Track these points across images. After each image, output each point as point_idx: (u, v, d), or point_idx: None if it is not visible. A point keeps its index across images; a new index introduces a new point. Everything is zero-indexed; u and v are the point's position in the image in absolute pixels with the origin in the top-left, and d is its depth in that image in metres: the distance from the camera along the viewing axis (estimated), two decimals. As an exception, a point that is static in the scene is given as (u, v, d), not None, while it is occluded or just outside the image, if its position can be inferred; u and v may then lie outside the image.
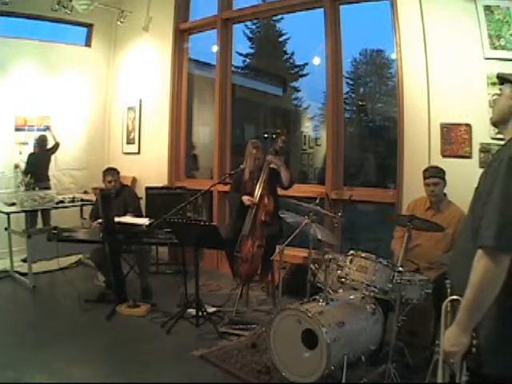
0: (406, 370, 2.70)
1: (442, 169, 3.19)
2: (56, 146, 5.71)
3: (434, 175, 3.16)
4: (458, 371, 1.36)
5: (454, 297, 1.41)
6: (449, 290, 1.46)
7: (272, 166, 3.93)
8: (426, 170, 3.24)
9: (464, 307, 1.33)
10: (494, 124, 1.60)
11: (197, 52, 6.13)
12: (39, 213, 5.14)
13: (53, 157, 5.75)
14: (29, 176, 5.26)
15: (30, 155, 5.55)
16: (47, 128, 5.75)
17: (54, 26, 5.83)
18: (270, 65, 10.42)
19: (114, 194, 4.36)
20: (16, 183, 5.39)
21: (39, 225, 5.21)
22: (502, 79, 1.59)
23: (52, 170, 5.81)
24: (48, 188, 5.33)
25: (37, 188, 5.17)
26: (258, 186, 3.92)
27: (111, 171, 4.46)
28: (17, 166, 5.51)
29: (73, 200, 5.08)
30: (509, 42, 3.41)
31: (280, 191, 4.07)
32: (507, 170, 1.33)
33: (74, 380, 2.71)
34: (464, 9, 3.55)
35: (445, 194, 3.20)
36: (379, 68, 10.12)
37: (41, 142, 5.62)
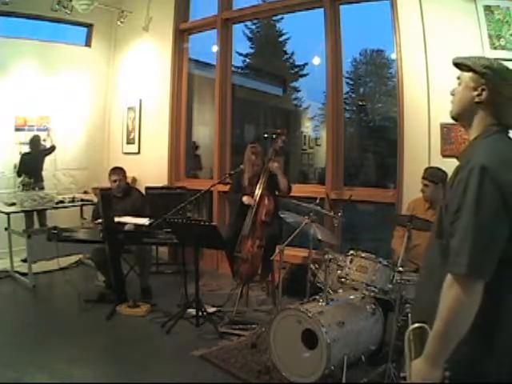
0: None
1: (437, 173, 3.14)
2: (52, 148, 5.67)
3: (425, 177, 3.15)
4: None
5: (417, 325, 1.23)
6: (409, 316, 1.30)
7: (271, 171, 3.92)
8: (425, 170, 3.24)
9: (434, 339, 1.16)
10: (454, 118, 1.36)
11: (197, 52, 6.14)
12: (35, 213, 5.10)
13: (53, 157, 5.73)
14: (25, 176, 5.23)
15: (24, 155, 5.46)
16: (47, 129, 5.73)
17: (54, 25, 5.82)
18: (269, 65, 10.43)
19: (121, 194, 4.32)
20: (16, 183, 5.38)
21: (35, 225, 5.19)
22: (460, 65, 1.33)
23: (52, 170, 5.81)
24: (42, 188, 5.30)
25: (37, 188, 5.17)
26: (257, 186, 3.93)
27: (116, 170, 4.38)
28: (16, 166, 5.50)
29: (73, 200, 5.07)
30: (509, 41, 3.41)
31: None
32: (479, 184, 1.13)
33: (74, 380, 2.71)
34: (464, 9, 3.55)
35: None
36: (379, 68, 10.14)
37: (34, 142, 5.53)
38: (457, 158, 1.34)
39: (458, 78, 1.35)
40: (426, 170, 3.24)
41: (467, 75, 1.30)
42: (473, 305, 1.12)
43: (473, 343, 1.17)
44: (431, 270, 1.32)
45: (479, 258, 1.12)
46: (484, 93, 1.26)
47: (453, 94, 1.36)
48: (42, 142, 5.67)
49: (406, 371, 1.25)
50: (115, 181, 4.33)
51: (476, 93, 1.28)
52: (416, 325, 1.23)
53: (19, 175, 5.33)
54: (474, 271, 1.11)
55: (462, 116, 1.34)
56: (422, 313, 1.28)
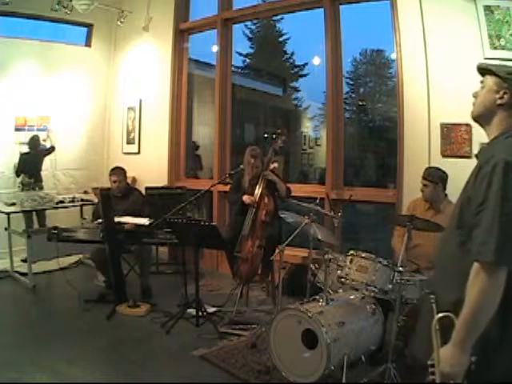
0: (405, 370, 2.70)
1: (436, 173, 3.16)
2: (51, 149, 5.65)
3: (425, 177, 3.16)
4: None
5: (442, 314, 1.30)
6: (434, 306, 1.34)
7: (269, 178, 3.92)
8: (424, 170, 3.24)
9: (462, 325, 1.24)
10: (475, 119, 1.48)
11: (197, 52, 6.15)
12: (34, 213, 5.10)
13: (53, 157, 5.73)
14: (25, 176, 5.22)
15: (23, 155, 5.42)
16: (46, 129, 5.73)
17: (54, 26, 5.82)
18: (269, 65, 10.43)
19: (121, 195, 4.32)
20: (16, 183, 5.38)
21: (35, 225, 5.19)
22: (484, 70, 1.46)
23: (52, 170, 5.81)
24: (41, 188, 5.28)
25: (37, 188, 5.17)
26: (257, 186, 3.93)
27: (116, 171, 4.38)
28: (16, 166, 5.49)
29: (73, 200, 5.07)
30: (509, 41, 3.41)
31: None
32: (504, 177, 1.23)
33: (74, 380, 2.71)
34: (464, 9, 3.55)
35: (446, 195, 3.20)
36: (379, 68, 10.14)
37: (34, 142, 5.50)
38: (476, 156, 1.48)
39: (482, 81, 1.47)
40: (426, 170, 3.25)
41: (490, 79, 1.42)
42: (498, 291, 1.21)
43: (498, 329, 1.25)
44: (449, 261, 1.39)
45: (504, 247, 1.20)
46: (506, 96, 1.38)
47: (475, 97, 1.48)
48: (42, 142, 5.66)
49: (433, 359, 1.30)
50: (115, 181, 4.33)
51: (498, 96, 1.39)
52: (441, 314, 1.30)
53: (18, 175, 5.32)
54: (500, 259, 1.20)
55: (483, 117, 1.44)
56: (444, 302, 1.34)
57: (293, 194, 4.06)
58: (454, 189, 3.20)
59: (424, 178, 3.16)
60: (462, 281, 1.27)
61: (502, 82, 1.39)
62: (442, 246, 1.50)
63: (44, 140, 5.69)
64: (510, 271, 1.22)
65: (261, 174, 3.95)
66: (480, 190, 1.27)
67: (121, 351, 3.12)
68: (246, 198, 3.94)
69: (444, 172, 3.20)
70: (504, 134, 1.37)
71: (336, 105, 4.48)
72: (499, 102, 1.38)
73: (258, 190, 3.90)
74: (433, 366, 1.30)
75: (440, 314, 1.30)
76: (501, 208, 1.22)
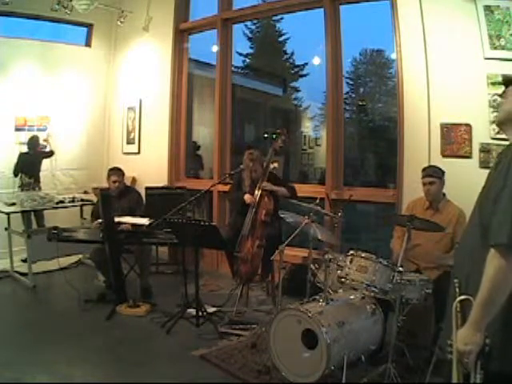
0: (405, 370, 2.70)
1: (440, 169, 3.19)
2: (51, 153, 5.64)
3: (430, 174, 3.16)
4: (473, 370, 1.35)
5: (464, 297, 1.40)
6: (457, 290, 1.45)
7: (267, 189, 3.91)
8: (424, 169, 3.25)
9: (478, 306, 1.32)
10: (499, 125, 1.62)
11: (197, 52, 6.14)
12: (32, 213, 5.10)
13: (53, 157, 5.73)
14: (25, 176, 5.22)
15: (21, 155, 5.40)
16: (46, 129, 5.71)
17: (54, 26, 5.82)
18: (269, 65, 10.43)
19: (117, 194, 4.34)
20: (16, 183, 5.38)
21: (33, 226, 5.19)
22: (508, 82, 1.58)
23: (52, 170, 5.81)
24: (38, 189, 5.27)
25: (36, 188, 5.16)
26: (257, 186, 3.93)
27: (116, 171, 4.39)
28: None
29: (73, 200, 5.07)
30: (509, 41, 3.41)
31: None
32: None
33: (74, 380, 2.71)
34: (464, 9, 3.55)
35: (444, 194, 3.20)
36: (379, 68, 10.13)
37: (33, 142, 5.48)
38: (497, 157, 1.55)
39: (504, 92, 1.59)
40: (427, 168, 3.25)
41: None
42: None
43: (506, 317, 1.32)
44: (471, 251, 1.46)
45: None
46: None
47: (499, 106, 1.63)
48: (42, 142, 5.65)
49: (452, 339, 1.40)
50: (115, 181, 4.34)
51: None
52: (462, 297, 1.40)
53: (16, 174, 5.32)
54: None
55: (506, 123, 1.54)
56: (466, 288, 1.43)
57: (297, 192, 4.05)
58: (454, 189, 3.21)
59: (429, 175, 3.16)
60: (482, 268, 1.32)
61: None
62: (465, 238, 1.58)
63: (44, 140, 5.69)
64: None
65: (260, 177, 3.95)
66: (499, 178, 1.35)
67: (121, 351, 3.12)
68: (246, 197, 3.95)
69: (441, 169, 3.22)
70: None
71: (336, 105, 4.48)
72: None
73: (257, 191, 3.91)
74: (451, 345, 1.39)
75: (461, 297, 1.39)
76: None
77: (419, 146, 3.77)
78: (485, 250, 1.34)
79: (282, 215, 3.35)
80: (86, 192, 5.74)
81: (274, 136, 4.03)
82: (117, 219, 3.93)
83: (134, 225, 4.02)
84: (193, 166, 6.50)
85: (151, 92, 5.91)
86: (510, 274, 1.26)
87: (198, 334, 3.39)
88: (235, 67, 6.59)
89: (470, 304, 1.37)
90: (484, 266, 1.32)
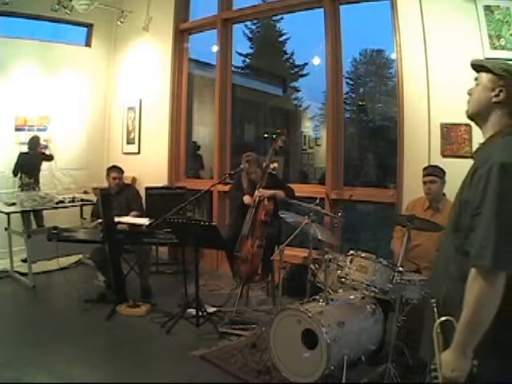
0: (406, 370, 2.70)
1: (441, 168, 3.20)
2: (51, 157, 5.64)
3: (431, 173, 3.17)
4: None
5: (444, 318, 1.30)
6: (435, 310, 1.33)
7: (266, 196, 3.90)
8: (425, 169, 3.26)
9: (461, 330, 1.23)
10: (471, 117, 1.44)
11: (197, 52, 6.14)
12: (31, 214, 5.10)
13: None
14: (25, 176, 5.21)
15: (21, 155, 5.39)
16: (45, 146, 5.70)
17: (54, 26, 5.82)
18: (270, 65, 10.42)
19: (116, 191, 4.39)
20: (16, 183, 5.38)
21: (33, 226, 5.18)
22: (478, 67, 1.42)
23: (52, 170, 5.81)
24: (38, 189, 5.28)
25: (37, 188, 5.16)
26: (257, 186, 3.93)
27: (117, 169, 4.50)
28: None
29: (73, 200, 5.07)
30: (509, 41, 3.41)
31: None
32: (499, 180, 1.19)
33: (74, 380, 2.71)
34: (464, 9, 3.55)
35: (444, 194, 3.20)
36: (379, 68, 10.14)
37: (33, 142, 5.48)
38: (471, 156, 1.45)
39: (476, 79, 1.42)
40: (427, 167, 3.26)
41: (486, 76, 1.37)
42: (497, 295, 1.19)
43: (498, 333, 1.22)
44: (445, 263, 1.37)
45: (503, 252, 1.17)
46: (502, 94, 1.33)
47: (470, 94, 1.43)
48: (43, 142, 5.65)
49: (435, 363, 1.30)
50: (115, 178, 4.40)
51: (494, 93, 1.34)
52: (443, 318, 1.29)
53: (15, 174, 5.32)
54: (498, 264, 1.17)
55: (479, 115, 1.40)
56: (439, 305, 1.34)
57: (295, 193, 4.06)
58: (454, 189, 3.18)
59: (430, 174, 3.17)
60: (460, 284, 1.26)
61: (498, 79, 1.34)
62: (440, 248, 1.48)
63: (45, 140, 5.69)
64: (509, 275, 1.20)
65: (260, 178, 3.95)
66: (476, 192, 1.24)
67: (121, 351, 3.12)
68: (246, 198, 3.95)
69: (441, 168, 3.22)
70: (500, 133, 1.33)
71: (336, 105, 4.48)
72: (495, 99, 1.34)
73: (257, 192, 3.90)
74: (435, 370, 1.29)
75: (442, 318, 1.30)
76: (497, 212, 1.18)
77: (419, 145, 3.77)
78: (460, 261, 1.28)
79: (281, 215, 3.35)
80: (85, 192, 5.74)
81: (274, 136, 4.03)
82: (116, 219, 3.94)
83: (133, 225, 4.02)
84: (193, 166, 6.50)
85: (151, 92, 5.91)
86: (494, 296, 1.19)
87: (198, 333, 3.39)
88: (235, 67, 6.59)
89: (451, 325, 1.27)
90: (459, 277, 1.26)
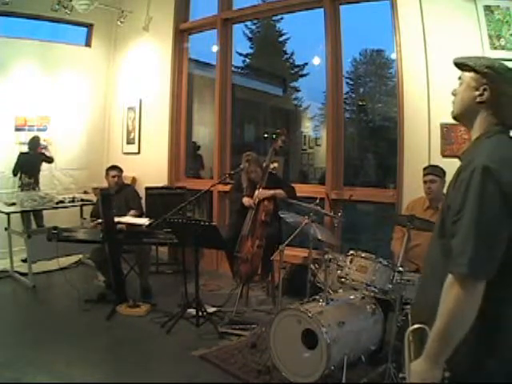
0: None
1: (441, 168, 3.19)
2: (51, 159, 5.64)
3: (431, 173, 3.17)
4: None
5: (417, 326, 1.22)
6: (409, 317, 1.27)
7: (266, 196, 3.90)
8: (425, 168, 3.26)
9: (434, 339, 1.15)
10: (456, 119, 1.36)
11: (197, 52, 6.14)
12: (31, 214, 5.10)
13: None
14: (25, 176, 5.21)
15: (21, 155, 5.38)
16: (45, 146, 5.69)
17: (54, 26, 5.82)
18: (270, 65, 10.42)
19: (115, 190, 4.41)
20: (16, 183, 5.38)
21: (32, 226, 5.18)
22: (461, 65, 1.33)
23: (52, 170, 5.81)
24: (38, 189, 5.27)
25: (37, 188, 5.16)
26: (257, 187, 3.93)
27: (115, 168, 4.54)
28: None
29: (73, 200, 5.07)
30: (509, 41, 3.41)
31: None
32: (481, 184, 1.13)
33: (74, 380, 2.71)
34: (464, 9, 3.55)
35: (444, 194, 3.20)
36: (379, 68, 10.14)
37: (34, 142, 5.47)
38: (458, 157, 1.34)
39: (460, 78, 1.34)
40: (428, 167, 3.26)
41: (468, 75, 1.29)
42: (474, 305, 1.12)
43: (474, 344, 1.16)
44: (433, 270, 1.31)
45: (480, 259, 1.11)
46: (486, 93, 1.26)
47: (454, 94, 1.35)
48: (43, 142, 5.65)
49: (405, 372, 1.24)
50: (114, 176, 4.43)
51: (478, 93, 1.27)
52: (416, 326, 1.23)
53: (14, 174, 5.31)
54: (474, 272, 1.11)
55: (464, 116, 1.33)
56: (423, 313, 1.27)
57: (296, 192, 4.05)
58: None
59: (431, 173, 3.17)
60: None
61: (481, 77, 1.26)
62: (428, 253, 1.39)
63: (45, 140, 5.68)
64: (489, 282, 1.12)
65: (260, 177, 3.95)
66: (458, 197, 1.17)
67: (121, 351, 3.12)
68: (245, 200, 3.95)
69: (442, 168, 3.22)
70: (485, 134, 1.27)
71: (336, 105, 4.48)
72: (479, 99, 1.27)
73: (257, 192, 3.90)
74: (405, 378, 1.23)
75: (414, 326, 1.23)
76: (477, 217, 1.12)
77: (419, 145, 3.77)
78: (445, 268, 1.19)
79: (282, 215, 3.35)
80: (85, 192, 5.74)
81: (274, 136, 4.03)
82: (116, 219, 3.94)
83: (133, 225, 4.02)
84: (193, 166, 6.50)
85: (151, 92, 5.91)
86: (470, 305, 1.11)
87: (198, 333, 3.39)
88: (235, 67, 6.60)
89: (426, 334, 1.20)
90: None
